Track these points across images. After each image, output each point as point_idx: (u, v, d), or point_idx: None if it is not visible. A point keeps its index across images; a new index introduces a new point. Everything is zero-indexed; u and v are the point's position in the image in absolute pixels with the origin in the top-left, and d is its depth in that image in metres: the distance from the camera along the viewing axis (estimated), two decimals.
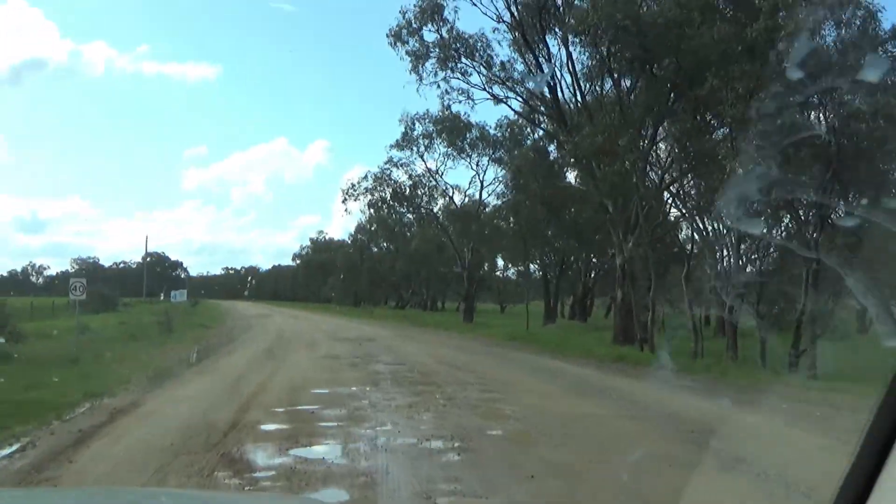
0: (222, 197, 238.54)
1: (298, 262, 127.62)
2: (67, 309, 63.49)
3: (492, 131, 50.13)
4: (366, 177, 53.33)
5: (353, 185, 53.09)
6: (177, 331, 39.01)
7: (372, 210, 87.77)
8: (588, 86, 32.58)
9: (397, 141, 51.09)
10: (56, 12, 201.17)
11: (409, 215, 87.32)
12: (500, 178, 51.32)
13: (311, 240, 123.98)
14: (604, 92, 32.23)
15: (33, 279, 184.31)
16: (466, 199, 52.83)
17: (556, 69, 32.06)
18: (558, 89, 32.32)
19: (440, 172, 51.29)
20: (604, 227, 34.33)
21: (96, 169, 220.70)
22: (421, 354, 25.49)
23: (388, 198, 53.00)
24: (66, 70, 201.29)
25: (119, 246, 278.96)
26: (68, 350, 23.46)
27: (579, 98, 31.99)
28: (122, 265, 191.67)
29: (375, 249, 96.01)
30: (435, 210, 54.06)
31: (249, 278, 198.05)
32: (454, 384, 17.00)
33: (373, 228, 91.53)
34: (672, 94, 27.27)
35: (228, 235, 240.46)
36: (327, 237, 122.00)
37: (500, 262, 73.77)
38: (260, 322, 52.41)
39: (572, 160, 33.50)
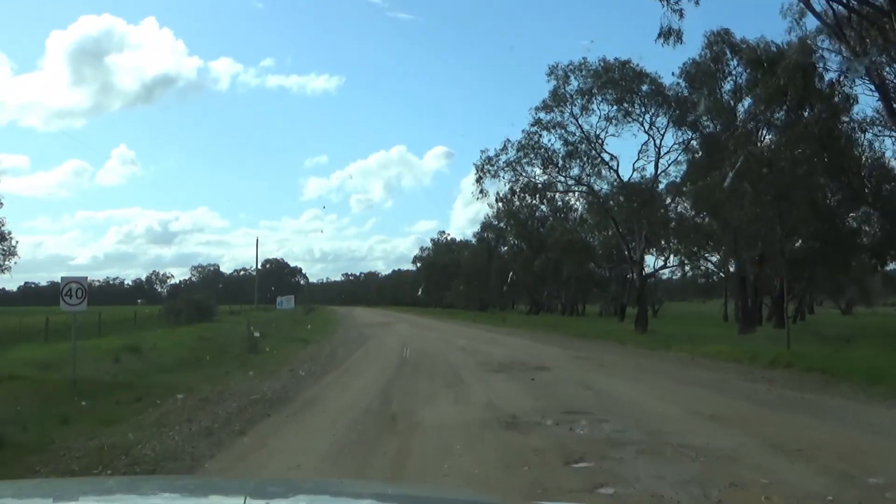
0: (342, 205, 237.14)
1: (419, 264, 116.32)
2: (157, 319, 55.20)
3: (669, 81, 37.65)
4: (504, 147, 40.38)
5: (490, 159, 40.46)
6: (268, 347, 28.52)
7: (511, 194, 77.49)
8: None
9: (545, 101, 38.83)
10: (185, 30, 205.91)
11: (543, 208, 75.83)
12: (685, 144, 38.27)
13: (433, 241, 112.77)
14: None
15: (157, 287, 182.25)
16: (635, 174, 39.83)
17: None
18: None
19: (601, 139, 38.61)
20: None
21: (223, 181, 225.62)
22: (681, 414, 13.12)
23: (540, 169, 39.82)
24: (194, 86, 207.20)
25: (244, 255, 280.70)
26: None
27: None
28: (242, 272, 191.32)
29: (504, 248, 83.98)
30: (597, 187, 40.89)
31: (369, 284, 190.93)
32: None
33: (501, 224, 79.70)
34: None
35: (349, 243, 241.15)
36: (449, 237, 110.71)
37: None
38: (376, 334, 41.15)
39: None
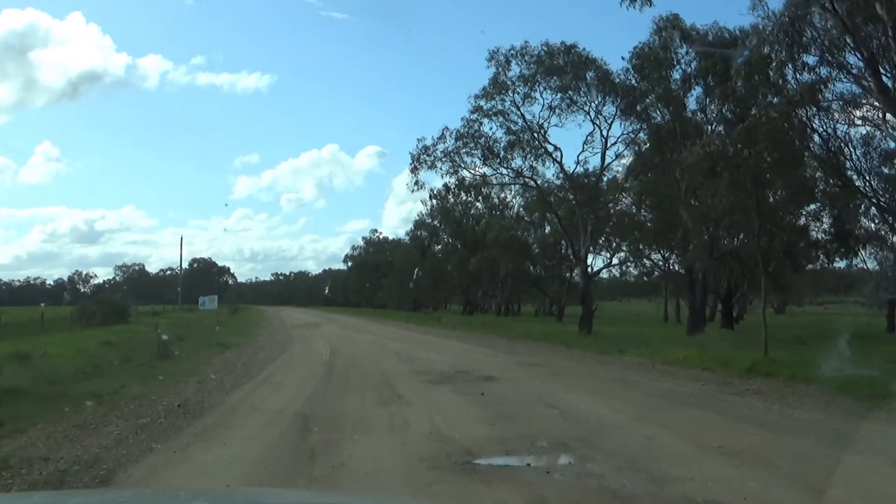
0: (273, 204, 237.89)
1: (350, 263, 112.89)
2: (68, 322, 50.95)
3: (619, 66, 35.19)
4: (442, 136, 37.30)
5: (427, 148, 37.40)
6: (181, 353, 25.41)
7: (446, 191, 74.40)
8: None
9: (484, 89, 35.95)
10: (113, 26, 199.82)
11: (479, 204, 73.15)
12: (633, 135, 35.79)
13: (365, 239, 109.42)
14: None
15: (80, 287, 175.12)
16: (579, 167, 37.10)
17: None
18: None
19: (544, 129, 35.87)
20: None
21: (151, 179, 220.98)
22: (683, 447, 10.35)
23: (480, 160, 36.71)
24: (121, 83, 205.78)
25: (172, 254, 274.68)
26: None
27: None
28: (168, 272, 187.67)
29: (439, 246, 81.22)
30: (541, 180, 37.97)
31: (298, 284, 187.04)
32: None
33: (436, 223, 76.93)
34: None
35: (280, 242, 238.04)
36: (381, 236, 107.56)
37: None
38: (303, 337, 37.98)
39: None
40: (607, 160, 35.75)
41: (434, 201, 74.69)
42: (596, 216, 35.01)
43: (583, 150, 36.39)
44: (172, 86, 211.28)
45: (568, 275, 64.20)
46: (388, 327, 49.30)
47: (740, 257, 37.75)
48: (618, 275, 57.42)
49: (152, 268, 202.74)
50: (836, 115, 31.47)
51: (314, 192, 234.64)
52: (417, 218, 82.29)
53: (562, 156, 35.99)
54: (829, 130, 31.90)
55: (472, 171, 37.14)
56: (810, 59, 29.49)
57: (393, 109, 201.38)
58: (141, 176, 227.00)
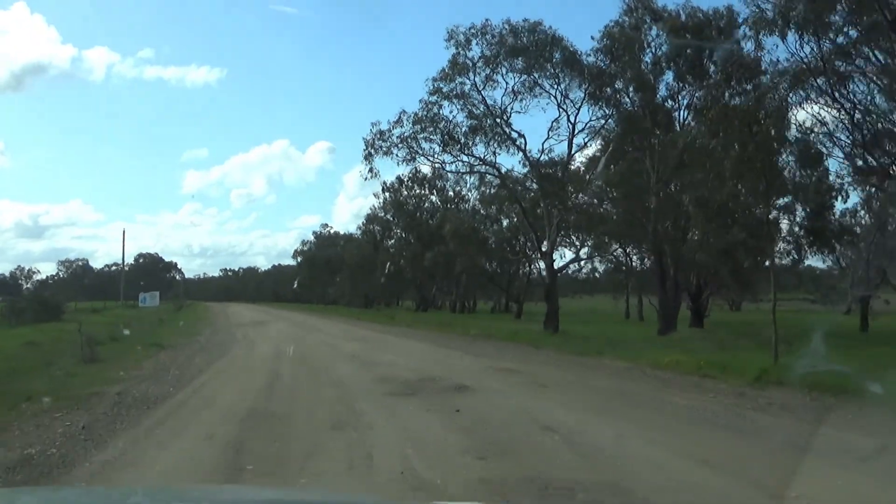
0: (223, 199, 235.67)
1: (300, 258, 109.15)
2: None
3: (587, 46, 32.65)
4: (399, 120, 34.02)
5: (383, 133, 34.37)
6: (111, 355, 22.45)
7: (399, 183, 71.59)
8: None
9: (443, 70, 33.15)
10: (58, 17, 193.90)
11: (434, 198, 70.45)
12: (603, 122, 33.28)
13: (315, 233, 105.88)
14: None
15: (23, 283, 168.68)
16: (543, 155, 34.41)
17: None
18: None
19: (507, 114, 33.22)
20: None
21: (98, 173, 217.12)
22: None
23: (439, 146, 33.71)
24: (67, 75, 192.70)
25: (119, 249, 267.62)
26: None
27: None
28: (113, 267, 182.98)
29: (392, 241, 78.35)
30: (504, 170, 35.19)
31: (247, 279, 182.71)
32: None
33: (388, 216, 74.08)
34: None
35: (229, 238, 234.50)
36: (332, 231, 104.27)
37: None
38: (248, 336, 34.94)
39: None
40: (574, 148, 33.25)
41: (387, 194, 72.19)
42: (564, 206, 32.50)
43: (547, 138, 33.77)
44: (119, 79, 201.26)
45: (526, 271, 61.91)
46: (340, 325, 46.41)
47: (710, 252, 35.57)
48: (582, 271, 55.07)
49: (98, 263, 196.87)
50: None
51: (264, 187, 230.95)
52: (370, 212, 79.49)
53: (525, 143, 33.44)
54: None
55: (431, 159, 34.29)
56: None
57: (344, 105, 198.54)
58: (87, 170, 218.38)
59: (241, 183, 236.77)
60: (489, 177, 35.58)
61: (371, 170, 34.67)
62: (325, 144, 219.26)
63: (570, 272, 68.33)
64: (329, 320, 54.72)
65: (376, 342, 29.79)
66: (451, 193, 66.69)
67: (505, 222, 56.48)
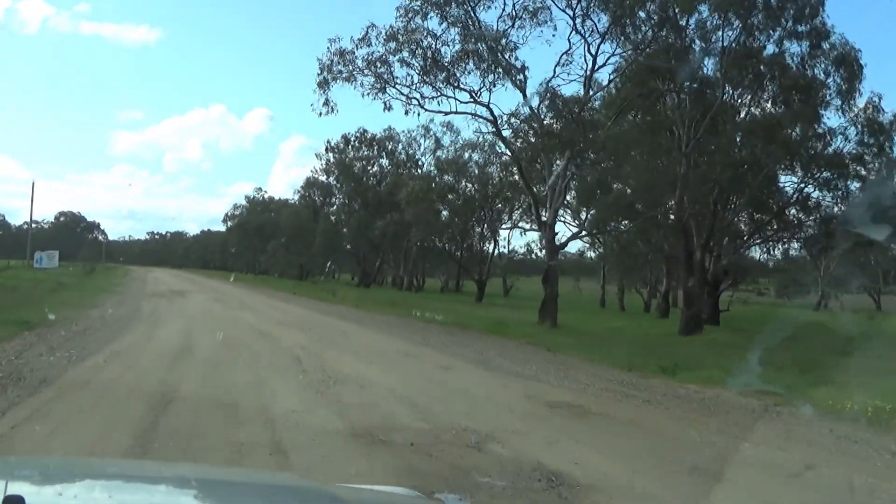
0: (155, 162, 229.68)
1: (230, 224, 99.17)
2: None
3: None
4: (366, 37, 25.04)
5: (344, 53, 25.58)
6: None
7: (345, 143, 62.85)
8: None
9: None
10: None
11: (384, 161, 62.07)
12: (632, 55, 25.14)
13: (248, 198, 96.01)
14: None
15: None
16: (544, 101, 26.09)
17: None
18: None
19: (504, 41, 25.00)
20: None
21: (27, 129, 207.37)
22: None
23: (418, 73, 25.00)
24: None
25: (47, 208, 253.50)
26: None
27: None
28: (35, 226, 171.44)
29: (334, 207, 69.84)
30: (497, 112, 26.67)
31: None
32: None
33: (331, 181, 65.52)
34: None
35: (161, 201, 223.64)
36: (266, 195, 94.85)
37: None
38: (158, 312, 26.60)
39: None
40: (592, 89, 25.07)
41: (331, 155, 63.58)
42: (582, 159, 24.62)
43: (553, 76, 25.60)
44: (54, 32, 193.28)
45: (490, 246, 54.20)
46: (274, 301, 38.01)
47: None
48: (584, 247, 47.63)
49: (18, 219, 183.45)
50: None
51: (199, 152, 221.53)
52: (310, 175, 70.47)
53: (525, 81, 25.33)
54: None
55: (407, 89, 25.40)
56: None
57: (284, 72, 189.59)
58: (16, 125, 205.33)
59: (176, 146, 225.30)
60: (464, 128, 26.75)
61: (327, 102, 26.04)
62: (264, 112, 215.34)
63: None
64: (261, 294, 46.18)
65: (325, 331, 21.70)
66: (402, 156, 58.63)
67: (469, 187, 48.32)
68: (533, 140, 25.22)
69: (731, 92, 26.52)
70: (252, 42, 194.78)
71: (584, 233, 29.22)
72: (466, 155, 48.92)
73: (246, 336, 19.31)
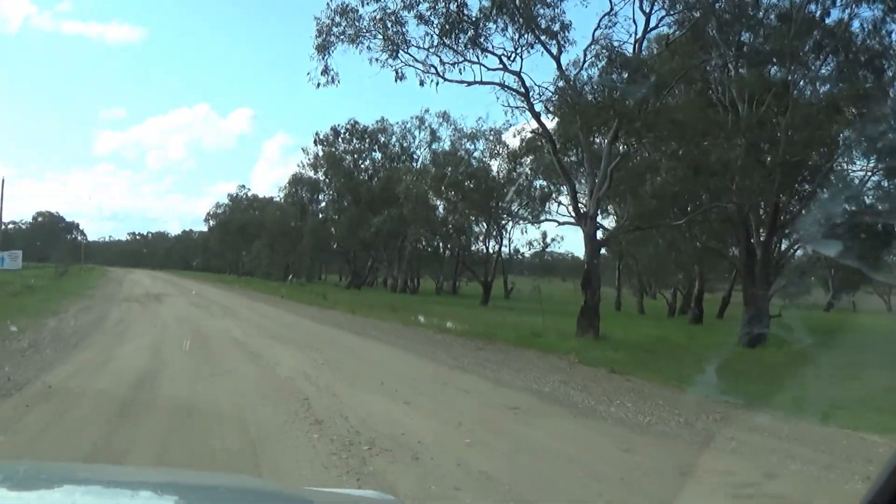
0: (138, 162, 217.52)
1: (212, 222, 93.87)
2: None
3: None
4: None
5: (346, 9, 20.74)
6: None
7: (335, 135, 58.34)
8: None
9: None
10: None
11: (377, 154, 57.67)
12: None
13: (230, 196, 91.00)
14: None
15: None
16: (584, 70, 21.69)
17: None
18: None
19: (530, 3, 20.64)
20: None
21: (7, 128, 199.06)
22: None
23: (437, 33, 20.37)
24: None
25: (25, 208, 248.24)
26: None
27: None
28: (10, 226, 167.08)
29: (322, 204, 65.35)
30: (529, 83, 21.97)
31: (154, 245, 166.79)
32: None
33: (319, 176, 61.07)
34: None
35: (143, 201, 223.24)
36: (250, 193, 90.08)
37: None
38: (128, 320, 22.40)
39: None
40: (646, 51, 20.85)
41: (320, 148, 59.09)
42: (638, 137, 20.42)
43: (593, 41, 21.27)
44: (36, 31, 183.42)
45: (492, 245, 49.93)
46: (261, 306, 33.69)
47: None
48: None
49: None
50: None
51: (182, 151, 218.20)
52: (296, 172, 65.76)
53: (559, 48, 21.01)
54: None
55: (425, 51, 20.76)
56: None
57: (267, 73, 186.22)
58: None
59: (158, 146, 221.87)
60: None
61: (326, 70, 21.51)
62: (247, 112, 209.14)
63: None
64: (245, 297, 41.79)
65: (328, 347, 17.44)
66: (396, 148, 54.37)
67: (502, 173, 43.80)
68: (570, 113, 20.83)
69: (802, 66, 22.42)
70: (236, 42, 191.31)
71: (630, 227, 24.84)
72: (469, 146, 44.88)
73: (230, 356, 15.02)
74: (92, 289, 42.95)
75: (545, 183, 37.09)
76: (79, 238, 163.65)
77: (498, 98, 26.97)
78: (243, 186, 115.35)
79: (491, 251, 48.82)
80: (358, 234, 53.30)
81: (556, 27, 20.30)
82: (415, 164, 53.04)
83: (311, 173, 62.60)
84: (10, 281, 39.84)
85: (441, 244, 55.21)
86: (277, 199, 74.60)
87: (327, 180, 60.77)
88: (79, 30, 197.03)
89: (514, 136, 36.53)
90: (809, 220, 22.02)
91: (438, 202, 46.20)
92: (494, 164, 42.68)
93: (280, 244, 68.64)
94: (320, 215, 64.17)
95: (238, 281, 68.67)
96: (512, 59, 20.50)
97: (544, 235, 50.56)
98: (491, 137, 41.48)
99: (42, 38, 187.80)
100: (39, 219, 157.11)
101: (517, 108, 21.94)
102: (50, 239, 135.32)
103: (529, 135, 30.96)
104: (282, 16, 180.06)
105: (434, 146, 52.68)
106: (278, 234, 67.36)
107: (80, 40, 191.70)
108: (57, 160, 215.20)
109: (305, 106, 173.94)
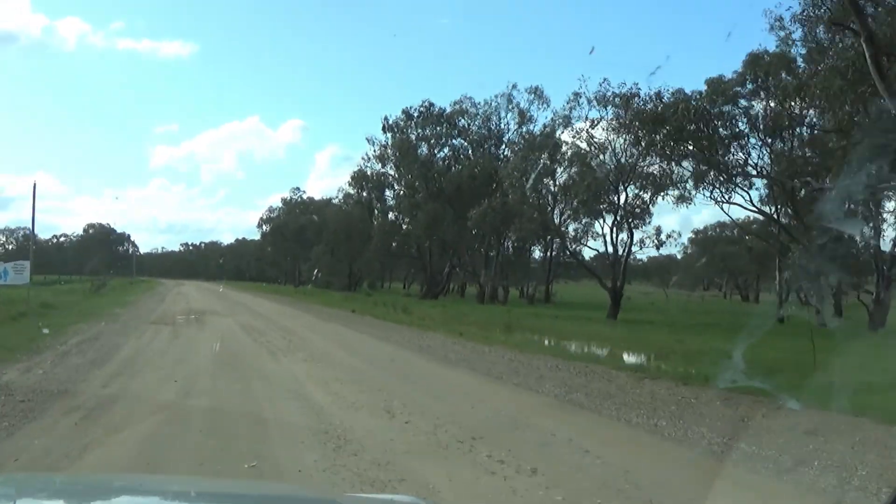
0: (192, 175, 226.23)
1: (266, 228, 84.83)
2: None
3: None
4: None
5: None
6: None
7: (407, 119, 49.62)
8: None
9: None
10: None
11: (456, 141, 48.61)
12: None
13: (284, 200, 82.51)
14: None
15: None
16: None
17: None
18: None
19: None
20: None
21: (65, 145, 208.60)
22: None
23: None
24: (37, 45, 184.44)
25: (84, 223, 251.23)
26: None
27: None
28: (63, 238, 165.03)
29: (390, 202, 56.49)
30: None
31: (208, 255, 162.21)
32: None
33: (387, 169, 52.23)
34: None
35: (197, 214, 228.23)
36: (306, 196, 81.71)
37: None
38: (154, 349, 13.85)
39: None
40: None
41: (388, 135, 50.25)
42: None
43: None
44: (91, 50, 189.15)
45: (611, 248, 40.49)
46: (337, 329, 25.02)
47: None
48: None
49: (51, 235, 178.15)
50: None
51: (234, 163, 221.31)
52: (359, 167, 56.93)
53: None
54: None
55: None
56: None
57: (318, 83, 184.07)
58: (55, 142, 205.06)
59: (211, 159, 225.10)
60: None
61: None
62: (298, 122, 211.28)
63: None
64: (310, 314, 33.20)
65: (479, 428, 8.49)
66: (482, 130, 45.43)
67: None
68: None
69: None
70: (284, 53, 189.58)
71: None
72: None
73: (304, 455, 6.17)
74: (124, 306, 34.62)
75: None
76: (130, 250, 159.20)
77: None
78: (297, 189, 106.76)
79: (619, 249, 38.89)
80: (437, 232, 44.28)
81: None
82: (502, 150, 44.18)
83: (379, 166, 53.86)
84: (19, 299, 31.00)
85: (548, 241, 45.90)
86: (336, 199, 66.08)
87: (396, 175, 51.95)
88: (132, 46, 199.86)
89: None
90: None
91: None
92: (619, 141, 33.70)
93: (342, 249, 60.11)
94: (389, 214, 55.37)
95: (295, 292, 60.17)
96: None
97: (658, 231, 41.09)
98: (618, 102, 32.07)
99: (97, 57, 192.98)
100: (90, 231, 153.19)
101: None
102: (102, 250, 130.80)
103: None
104: (330, 25, 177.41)
105: (524, 128, 43.78)
106: (342, 238, 58.69)
107: (133, 56, 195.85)
108: (112, 176, 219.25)
109: (357, 115, 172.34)
